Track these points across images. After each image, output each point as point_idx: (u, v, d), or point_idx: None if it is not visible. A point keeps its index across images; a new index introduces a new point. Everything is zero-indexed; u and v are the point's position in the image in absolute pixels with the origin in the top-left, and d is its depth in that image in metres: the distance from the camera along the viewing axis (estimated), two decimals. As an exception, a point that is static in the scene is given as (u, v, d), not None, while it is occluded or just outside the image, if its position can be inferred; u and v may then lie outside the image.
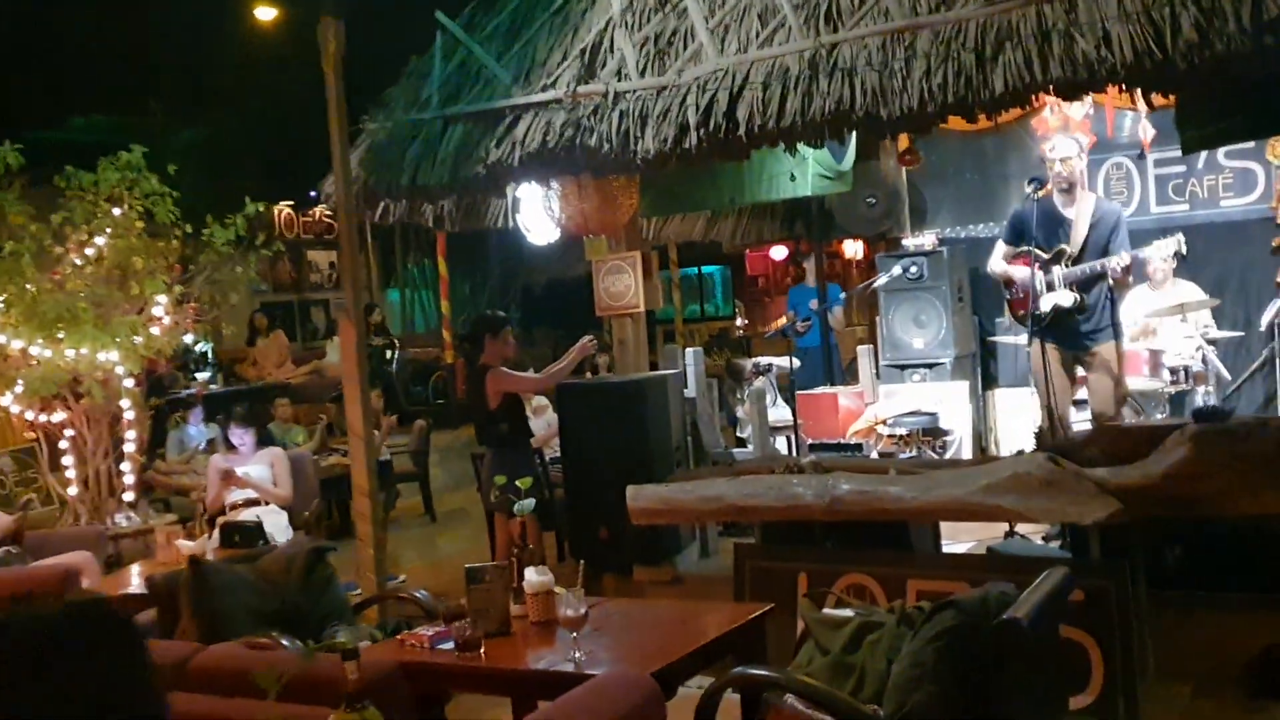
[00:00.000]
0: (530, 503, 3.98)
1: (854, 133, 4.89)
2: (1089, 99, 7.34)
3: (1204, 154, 7.95)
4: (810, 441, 7.95)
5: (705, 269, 17.76)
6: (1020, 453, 4.55)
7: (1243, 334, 7.48)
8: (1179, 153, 8.00)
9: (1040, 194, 5.37)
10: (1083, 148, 5.61)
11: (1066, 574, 3.09)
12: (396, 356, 12.76)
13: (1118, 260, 5.37)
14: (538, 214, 6.15)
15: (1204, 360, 7.15)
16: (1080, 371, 5.69)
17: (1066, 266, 5.50)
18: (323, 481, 8.73)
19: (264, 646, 3.88)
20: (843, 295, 9.28)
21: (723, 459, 6.23)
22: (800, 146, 5.61)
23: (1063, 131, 5.53)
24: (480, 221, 6.99)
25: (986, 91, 4.23)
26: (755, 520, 5.02)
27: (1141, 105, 7.21)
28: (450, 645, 3.55)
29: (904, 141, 8.38)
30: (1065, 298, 5.46)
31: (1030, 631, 2.76)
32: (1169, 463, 4.02)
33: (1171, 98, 4.79)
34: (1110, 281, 5.50)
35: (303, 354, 16.07)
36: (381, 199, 6.12)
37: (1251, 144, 7.77)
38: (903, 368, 8.51)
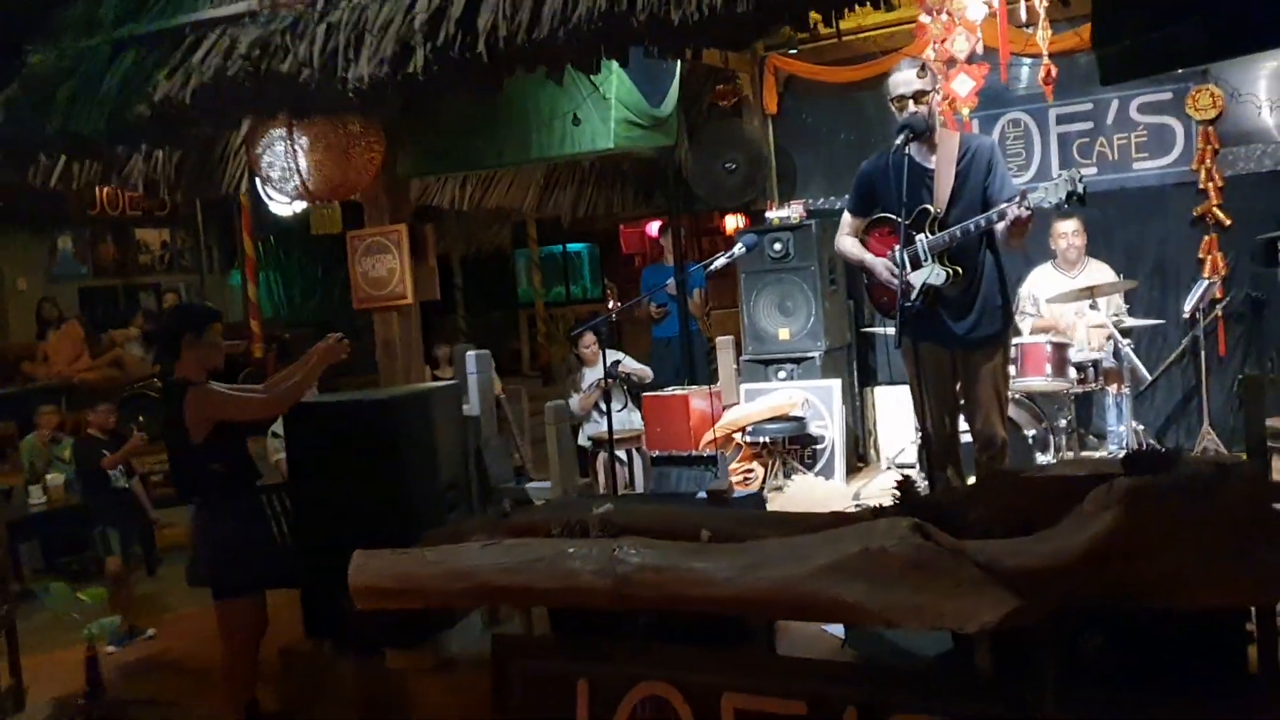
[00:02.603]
0: (110, 624, 2.50)
1: (652, 52, 3.47)
2: (979, 37, 6.07)
3: (1114, 108, 6.77)
4: (655, 454, 6.59)
5: (571, 247, 16.23)
6: (879, 510, 3.19)
7: (1160, 322, 6.27)
8: (1085, 106, 6.87)
9: (909, 145, 4.00)
10: (936, 78, 4.22)
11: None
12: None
13: (999, 210, 4.02)
14: (279, 173, 4.61)
15: (1116, 354, 5.93)
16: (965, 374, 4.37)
17: (932, 232, 4.15)
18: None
19: None
20: (667, 279, 7.80)
21: (519, 498, 4.80)
22: (600, 85, 4.18)
23: (908, 64, 4.10)
24: (216, 186, 5.42)
25: (824, -19, 2.84)
26: (521, 605, 3.62)
27: (1044, 46, 5.98)
28: None
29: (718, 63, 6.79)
30: (936, 274, 4.10)
31: None
32: (1090, 534, 2.70)
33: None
34: (1000, 239, 4.17)
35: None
36: (33, 153, 4.51)
37: (1169, 96, 6.60)
38: (767, 363, 7.20)
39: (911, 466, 6.27)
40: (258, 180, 5.19)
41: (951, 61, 6.02)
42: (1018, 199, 3.95)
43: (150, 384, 9.71)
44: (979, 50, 6.07)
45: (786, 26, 3.38)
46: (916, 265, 4.10)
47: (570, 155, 4.71)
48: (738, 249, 4.85)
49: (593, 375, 6.92)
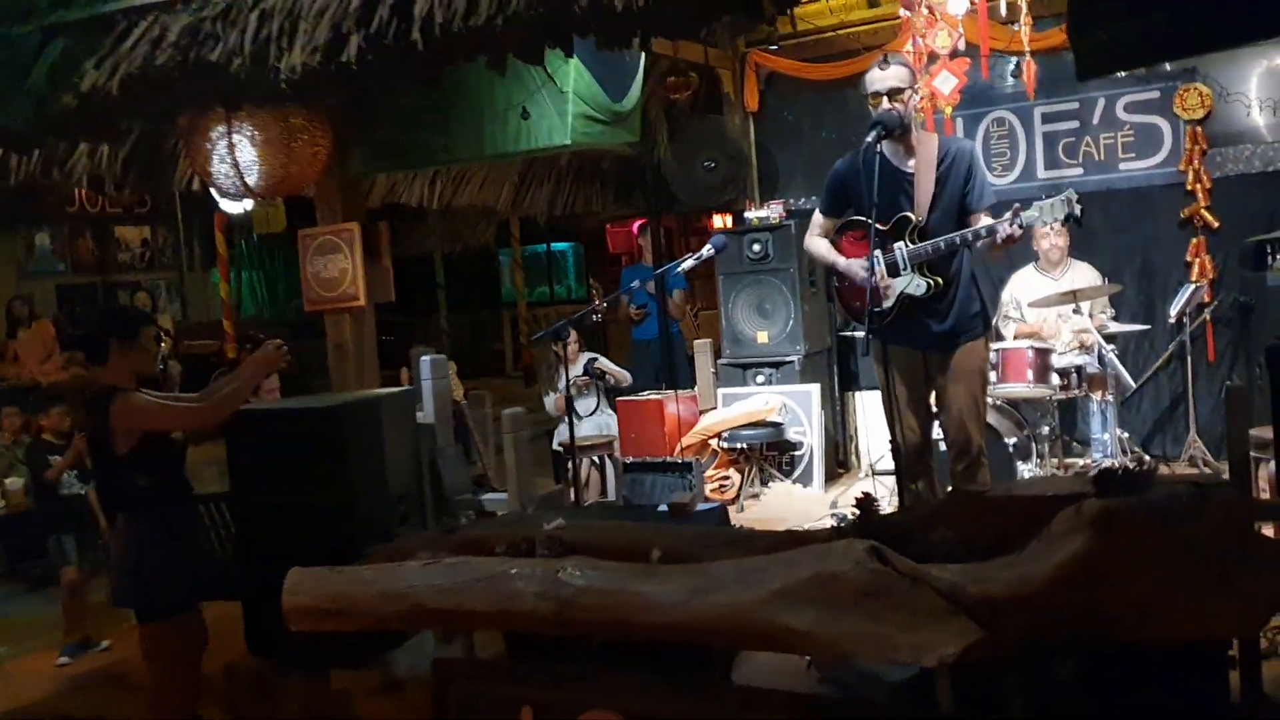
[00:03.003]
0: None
1: (602, 42, 3.26)
2: (960, 33, 5.88)
3: (1100, 107, 6.58)
4: (629, 460, 6.39)
5: (555, 246, 16.01)
6: (838, 526, 3.00)
7: (1147, 328, 6.08)
8: (1071, 105, 6.67)
9: (880, 143, 3.80)
10: (914, 75, 4.03)
11: None
12: (164, 353, 10.76)
13: (988, 225, 3.83)
14: (218, 169, 4.41)
15: (1100, 360, 5.75)
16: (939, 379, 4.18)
17: (913, 240, 3.95)
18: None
19: None
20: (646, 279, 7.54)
21: (476, 509, 4.60)
22: (556, 77, 3.99)
23: (885, 60, 3.89)
24: (165, 180, 5.20)
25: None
26: (460, 628, 3.43)
27: (1026, 41, 5.79)
28: None
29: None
30: (915, 284, 3.92)
31: None
32: (1057, 560, 2.52)
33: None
34: (979, 249, 3.98)
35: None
36: (-38, 147, 4.32)
37: (1156, 95, 6.41)
38: (745, 367, 7.02)
39: (892, 473, 6.09)
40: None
41: (933, 57, 5.82)
42: (1010, 215, 3.77)
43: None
44: (961, 46, 5.88)
45: (754, 19, 3.15)
46: (894, 273, 3.91)
47: (526, 151, 4.51)
48: (706, 250, 4.66)
49: (571, 374, 6.72)
